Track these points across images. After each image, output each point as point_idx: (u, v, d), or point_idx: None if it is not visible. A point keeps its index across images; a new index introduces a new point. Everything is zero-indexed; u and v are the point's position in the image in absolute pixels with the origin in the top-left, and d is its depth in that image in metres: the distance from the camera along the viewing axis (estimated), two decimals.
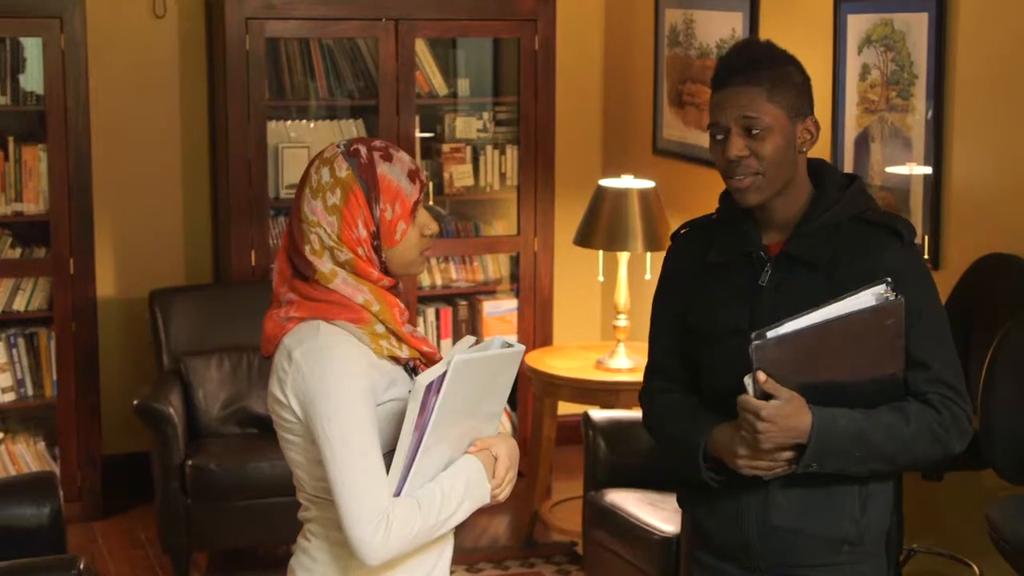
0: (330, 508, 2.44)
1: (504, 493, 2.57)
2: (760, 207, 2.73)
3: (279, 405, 2.49)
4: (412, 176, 2.53)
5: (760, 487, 2.71)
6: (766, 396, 2.60)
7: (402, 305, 2.56)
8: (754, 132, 2.67)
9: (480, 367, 2.46)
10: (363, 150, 2.53)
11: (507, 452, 2.57)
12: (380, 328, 2.50)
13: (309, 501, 2.56)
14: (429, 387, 2.37)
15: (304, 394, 2.44)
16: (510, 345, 2.52)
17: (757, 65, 2.70)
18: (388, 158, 2.53)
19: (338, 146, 2.55)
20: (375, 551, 2.39)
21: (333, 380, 2.42)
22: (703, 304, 2.79)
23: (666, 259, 2.95)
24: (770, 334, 2.58)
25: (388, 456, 2.43)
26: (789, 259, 2.72)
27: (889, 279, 2.60)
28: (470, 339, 2.54)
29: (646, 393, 2.94)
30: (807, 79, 2.76)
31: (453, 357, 2.39)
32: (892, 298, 2.59)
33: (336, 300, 2.49)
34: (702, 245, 2.84)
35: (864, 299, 2.59)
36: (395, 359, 2.52)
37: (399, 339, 2.52)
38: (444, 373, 2.39)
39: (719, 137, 2.71)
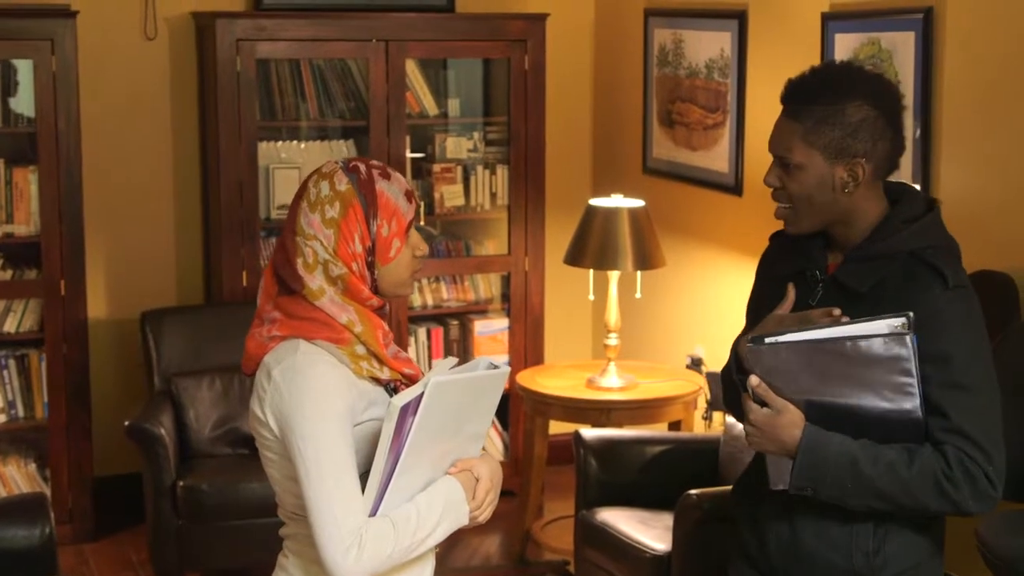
0: (306, 525, 2.44)
1: (484, 515, 2.56)
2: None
3: (258, 423, 2.50)
4: (408, 196, 2.56)
5: (782, 503, 2.72)
6: (763, 402, 2.61)
7: (386, 327, 2.55)
8: (788, 166, 2.69)
9: (459, 389, 2.44)
10: (362, 167, 2.55)
11: (489, 473, 2.56)
12: (361, 349, 2.50)
13: (287, 518, 2.57)
14: (405, 408, 2.36)
15: (281, 412, 2.44)
16: (496, 367, 2.51)
17: (809, 98, 2.66)
18: (386, 176, 2.55)
19: (337, 162, 2.57)
20: (348, 571, 2.38)
21: (309, 399, 2.42)
22: (764, 315, 2.78)
23: (760, 259, 2.95)
24: (768, 340, 2.58)
25: (367, 476, 2.42)
26: (837, 283, 2.71)
27: (910, 313, 2.54)
28: (452, 360, 2.53)
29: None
30: (877, 116, 2.64)
31: (430, 379, 2.38)
32: (904, 332, 2.53)
33: (319, 319, 2.49)
34: (783, 253, 2.85)
35: (876, 327, 2.55)
36: (375, 380, 2.52)
37: (380, 361, 2.52)
38: (421, 395, 2.37)
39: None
